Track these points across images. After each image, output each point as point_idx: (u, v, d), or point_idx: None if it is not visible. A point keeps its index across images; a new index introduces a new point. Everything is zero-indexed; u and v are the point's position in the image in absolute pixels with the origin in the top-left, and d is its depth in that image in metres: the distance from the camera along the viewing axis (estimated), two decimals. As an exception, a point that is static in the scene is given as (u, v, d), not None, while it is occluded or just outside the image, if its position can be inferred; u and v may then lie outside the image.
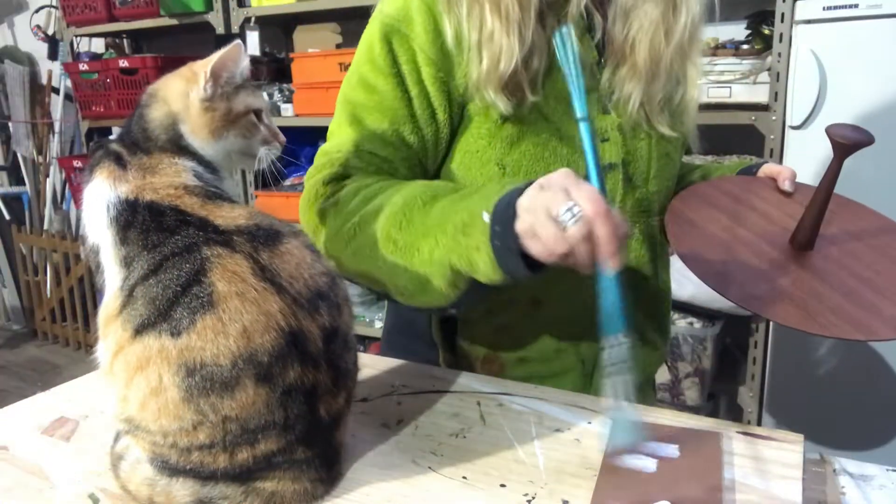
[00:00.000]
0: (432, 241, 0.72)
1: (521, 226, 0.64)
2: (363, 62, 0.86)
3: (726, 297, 0.71)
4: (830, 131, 0.81)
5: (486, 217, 0.66)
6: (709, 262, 0.76)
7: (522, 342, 0.90)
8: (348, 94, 0.88)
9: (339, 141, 0.86)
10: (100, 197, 0.62)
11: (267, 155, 0.70)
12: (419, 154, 0.87)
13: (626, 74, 0.85)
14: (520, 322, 0.89)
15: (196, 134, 0.66)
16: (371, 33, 0.86)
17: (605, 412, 0.67)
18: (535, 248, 0.63)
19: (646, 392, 1.04)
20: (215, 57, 0.65)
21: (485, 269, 0.68)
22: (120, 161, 0.63)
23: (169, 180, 0.62)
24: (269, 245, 0.60)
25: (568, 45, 0.72)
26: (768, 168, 0.95)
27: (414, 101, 0.84)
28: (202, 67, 0.66)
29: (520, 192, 0.65)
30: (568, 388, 0.85)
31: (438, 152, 0.88)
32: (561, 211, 0.60)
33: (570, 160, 0.84)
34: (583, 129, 0.70)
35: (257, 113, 0.69)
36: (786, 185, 0.92)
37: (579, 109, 0.70)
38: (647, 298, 0.95)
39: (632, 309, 0.67)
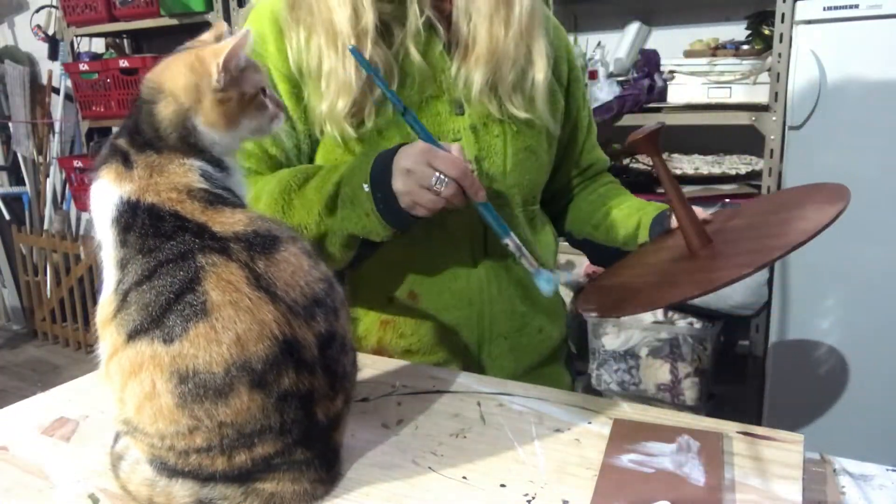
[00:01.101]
0: (316, 216, 0.83)
1: (402, 201, 0.78)
2: None
3: (624, 315, 0.74)
4: (631, 139, 0.84)
5: (366, 187, 0.79)
6: (606, 301, 0.81)
7: (405, 334, 0.95)
8: None
9: None
10: (104, 196, 0.62)
11: (277, 127, 0.70)
12: (283, 164, 0.93)
13: (472, 66, 0.90)
14: (400, 315, 0.95)
15: (212, 126, 0.64)
16: None
17: (533, 277, 0.82)
18: (420, 212, 0.79)
19: (556, 372, 1.07)
20: (227, 47, 0.63)
21: (376, 229, 0.81)
22: (126, 160, 0.62)
23: (174, 181, 0.61)
24: (266, 252, 0.59)
25: (360, 56, 0.82)
26: None
27: None
28: (213, 58, 0.63)
29: (384, 156, 0.79)
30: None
31: (301, 162, 0.94)
32: (432, 182, 0.76)
33: None
34: (409, 119, 0.81)
35: (262, 89, 0.68)
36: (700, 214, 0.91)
37: (398, 105, 0.81)
38: (523, 285, 0.99)
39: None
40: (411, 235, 0.88)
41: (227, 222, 0.60)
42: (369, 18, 0.85)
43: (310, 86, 0.90)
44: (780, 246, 0.67)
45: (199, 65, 0.63)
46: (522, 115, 0.93)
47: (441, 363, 0.96)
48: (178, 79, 0.64)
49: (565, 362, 1.11)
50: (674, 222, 0.90)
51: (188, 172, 0.62)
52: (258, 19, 0.92)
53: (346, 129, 0.88)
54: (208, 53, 0.63)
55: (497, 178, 0.94)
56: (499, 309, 0.97)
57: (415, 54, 0.89)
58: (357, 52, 0.82)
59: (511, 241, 0.80)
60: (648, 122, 1.98)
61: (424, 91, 0.91)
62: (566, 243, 1.15)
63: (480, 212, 0.80)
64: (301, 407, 0.59)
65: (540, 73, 0.93)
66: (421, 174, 0.76)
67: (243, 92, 0.65)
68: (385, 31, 0.88)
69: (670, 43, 2.15)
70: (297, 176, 0.87)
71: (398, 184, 0.78)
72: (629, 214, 1.00)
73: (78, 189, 3.29)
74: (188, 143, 0.63)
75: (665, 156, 2.11)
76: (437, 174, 0.75)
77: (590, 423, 0.75)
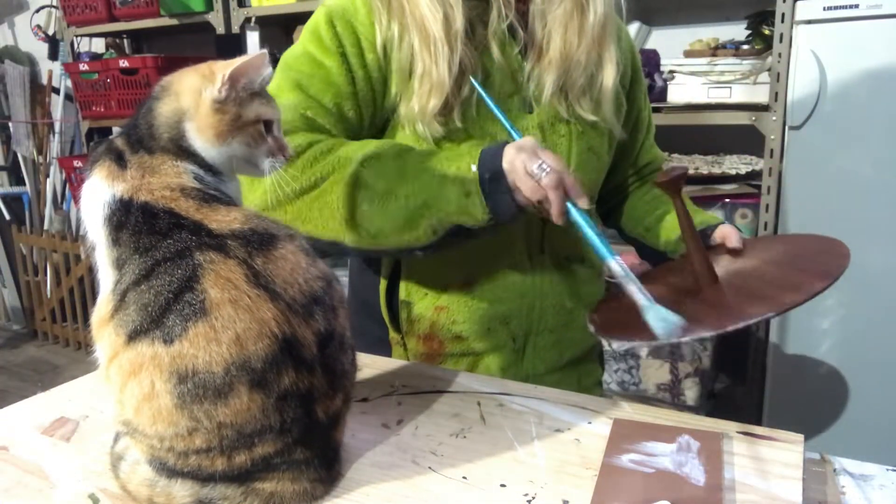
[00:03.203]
0: (410, 188, 0.82)
1: (507, 178, 0.79)
2: (309, 41, 0.93)
3: (633, 342, 0.75)
4: (658, 181, 0.86)
5: (474, 168, 0.80)
6: (617, 327, 0.83)
7: (457, 320, 0.98)
8: (292, 63, 0.93)
9: (280, 103, 0.90)
10: (96, 195, 0.62)
11: (271, 167, 0.69)
12: (356, 130, 0.93)
13: (545, 68, 0.93)
14: (454, 302, 0.97)
15: (201, 133, 0.64)
16: (316, 20, 0.93)
17: (643, 311, 0.72)
18: (518, 198, 0.79)
19: (591, 366, 1.11)
20: (238, 62, 0.64)
21: (474, 211, 0.80)
22: (120, 159, 0.63)
23: (167, 181, 0.61)
24: (264, 250, 0.59)
25: (482, 89, 0.86)
26: (723, 231, 0.98)
27: (358, 81, 0.90)
28: (222, 69, 0.64)
29: (493, 146, 0.81)
30: (501, 364, 0.99)
31: (373, 135, 0.94)
32: (534, 167, 0.77)
33: None
34: (515, 134, 0.83)
35: (267, 124, 0.67)
36: (733, 243, 0.95)
37: (513, 134, 0.84)
38: (573, 281, 1.02)
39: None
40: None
41: (223, 220, 0.60)
42: (459, 21, 0.88)
43: (395, 77, 0.91)
44: (771, 308, 0.73)
45: (209, 72, 0.64)
46: (590, 117, 0.96)
47: (487, 351, 0.99)
48: (186, 80, 0.65)
49: (598, 356, 1.14)
50: (716, 237, 0.96)
51: (181, 174, 0.62)
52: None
53: (436, 127, 0.89)
54: (221, 65, 0.65)
55: None
56: (549, 304, 1.00)
57: (496, 53, 0.91)
58: (479, 85, 0.87)
59: (618, 265, 0.75)
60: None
61: (501, 89, 0.93)
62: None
63: (583, 229, 0.77)
64: (301, 406, 0.59)
65: (609, 78, 0.95)
66: (527, 156, 0.78)
67: (241, 114, 0.65)
68: (470, 30, 0.91)
69: (670, 43, 2.15)
70: (392, 147, 0.87)
71: (505, 161, 0.79)
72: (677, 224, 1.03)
73: (78, 189, 3.29)
74: (178, 146, 0.63)
75: (665, 155, 2.11)
76: (541, 161, 0.77)
77: (590, 423, 0.75)
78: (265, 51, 0.65)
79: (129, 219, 0.60)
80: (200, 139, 0.64)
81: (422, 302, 0.98)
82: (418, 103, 0.88)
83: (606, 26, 0.94)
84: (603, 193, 1.10)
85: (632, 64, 1.06)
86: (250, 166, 0.68)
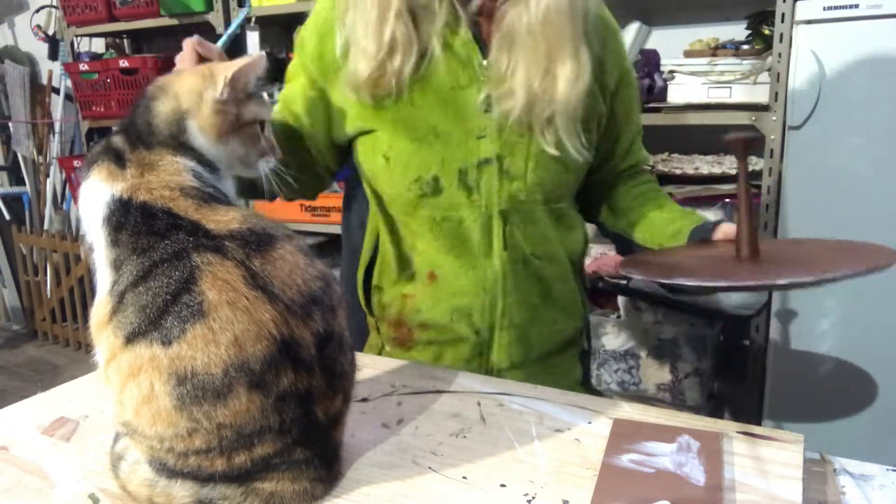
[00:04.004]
0: None
1: None
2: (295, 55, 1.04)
3: (672, 284, 0.74)
4: (728, 138, 0.84)
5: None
6: (654, 270, 0.82)
7: (422, 309, 1.01)
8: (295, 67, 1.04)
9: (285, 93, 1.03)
10: (95, 195, 0.62)
11: (264, 166, 0.71)
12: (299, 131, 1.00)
13: (505, 95, 0.92)
14: (419, 291, 1.01)
15: (204, 132, 0.65)
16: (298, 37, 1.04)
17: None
18: None
19: (565, 364, 1.10)
20: (238, 64, 0.65)
21: None
22: (119, 159, 0.63)
23: (166, 180, 0.62)
24: (262, 250, 0.59)
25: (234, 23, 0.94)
26: (725, 229, 0.95)
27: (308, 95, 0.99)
28: (223, 71, 0.65)
29: None
30: (465, 355, 1.01)
31: (319, 148, 1.01)
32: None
33: (444, 155, 0.94)
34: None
35: (262, 124, 0.69)
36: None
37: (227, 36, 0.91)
38: (541, 279, 1.02)
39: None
40: (430, 222, 0.97)
41: (221, 220, 0.60)
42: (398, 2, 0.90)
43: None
44: (829, 269, 0.71)
45: (209, 74, 0.66)
46: (552, 151, 0.95)
47: (451, 341, 1.01)
48: (185, 83, 0.66)
49: (578, 356, 1.13)
50: (717, 234, 0.93)
51: (181, 171, 0.63)
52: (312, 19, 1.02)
53: (365, 95, 0.93)
54: (221, 67, 0.66)
55: (518, 176, 0.96)
56: (513, 300, 1.00)
57: (437, 47, 0.92)
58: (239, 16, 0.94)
59: None
60: (649, 121, 1.98)
61: (457, 79, 0.94)
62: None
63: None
64: (300, 406, 0.59)
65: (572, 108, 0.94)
66: None
67: (240, 114, 0.67)
68: (417, 15, 0.93)
69: (670, 43, 2.15)
70: None
71: None
72: (670, 219, 1.03)
73: (78, 189, 3.29)
74: (178, 142, 0.65)
75: (665, 155, 2.11)
76: None
77: (590, 423, 0.75)
78: (263, 53, 0.66)
79: (128, 219, 0.60)
80: (203, 137, 0.65)
81: (392, 289, 1.02)
82: (351, 67, 0.93)
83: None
84: (584, 188, 1.09)
85: (619, 65, 1.05)
86: (244, 165, 0.70)
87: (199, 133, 0.65)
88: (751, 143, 0.83)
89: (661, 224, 1.03)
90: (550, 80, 0.91)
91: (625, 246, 1.12)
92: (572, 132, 0.94)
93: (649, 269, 0.81)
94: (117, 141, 0.65)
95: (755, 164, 2.00)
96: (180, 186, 0.62)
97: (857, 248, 0.85)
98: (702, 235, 0.95)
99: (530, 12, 0.89)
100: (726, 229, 0.93)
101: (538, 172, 0.96)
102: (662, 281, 0.75)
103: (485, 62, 0.94)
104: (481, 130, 0.94)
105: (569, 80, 0.91)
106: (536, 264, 1.01)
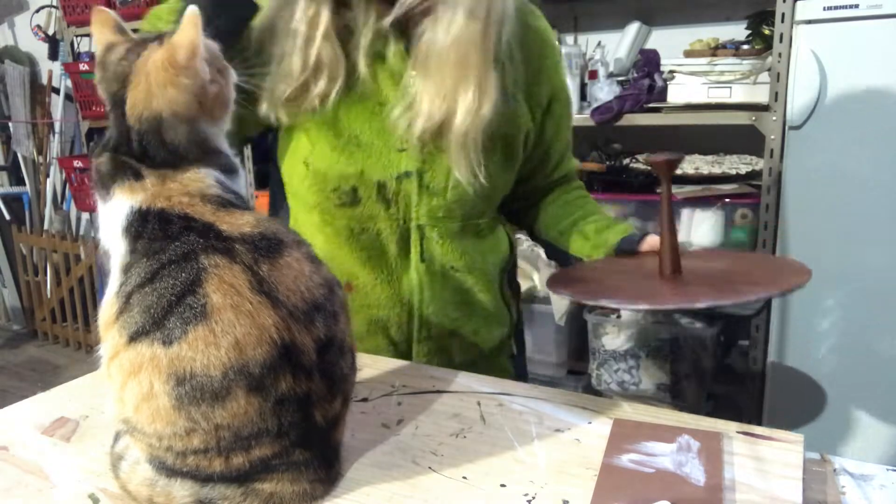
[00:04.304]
0: None
1: None
2: None
3: (597, 304, 0.79)
4: (649, 160, 0.87)
5: None
6: (581, 289, 0.84)
7: None
8: None
9: None
10: (119, 211, 0.61)
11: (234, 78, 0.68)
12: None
13: (415, 116, 0.91)
14: None
15: (220, 119, 0.65)
16: None
17: None
18: None
19: (495, 367, 1.08)
20: (197, 43, 0.60)
21: None
22: (138, 175, 0.62)
23: (188, 188, 0.61)
24: (271, 256, 0.59)
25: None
26: (650, 241, 0.95)
27: None
28: (190, 58, 0.60)
29: None
30: None
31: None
32: None
33: (364, 166, 0.93)
34: None
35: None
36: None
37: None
38: (460, 291, 1.01)
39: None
40: (348, 232, 0.96)
41: (235, 223, 0.60)
42: (325, 20, 0.89)
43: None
44: (741, 292, 0.74)
45: (183, 69, 0.60)
46: (470, 181, 0.93)
47: (371, 351, 0.99)
48: (172, 99, 0.61)
49: (510, 358, 1.12)
50: (643, 246, 0.95)
51: (203, 179, 0.62)
52: None
53: (283, 113, 0.92)
54: (181, 58, 0.60)
55: (438, 193, 0.95)
56: (430, 312, 0.99)
57: (363, 65, 0.91)
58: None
59: None
60: (649, 121, 1.98)
61: (385, 95, 0.93)
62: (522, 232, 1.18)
63: None
64: (298, 410, 0.59)
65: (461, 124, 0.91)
66: None
67: (223, 70, 0.65)
68: (345, 32, 0.92)
69: (670, 43, 2.15)
70: None
71: None
72: (597, 230, 1.02)
73: (78, 189, 3.29)
74: (205, 151, 0.64)
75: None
76: None
77: (590, 423, 0.75)
78: (195, 9, 0.60)
79: (145, 228, 0.60)
80: (217, 122, 0.65)
81: None
82: (271, 84, 0.91)
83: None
84: (513, 196, 1.07)
85: (552, 79, 1.02)
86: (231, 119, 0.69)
87: (217, 123, 0.64)
88: (673, 164, 0.85)
89: (588, 234, 1.03)
90: (449, 108, 0.89)
91: (555, 254, 1.11)
92: (466, 162, 0.92)
93: (576, 288, 0.83)
94: (133, 164, 0.62)
95: (755, 164, 2.00)
96: (201, 193, 0.61)
97: (775, 264, 0.88)
98: (629, 247, 0.96)
99: (439, 38, 0.87)
100: (651, 241, 0.94)
101: (458, 190, 0.95)
102: (588, 302, 0.79)
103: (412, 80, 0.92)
104: (402, 143, 0.93)
105: (468, 110, 0.89)
106: (456, 277, 1.00)
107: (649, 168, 2.04)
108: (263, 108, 0.92)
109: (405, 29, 0.92)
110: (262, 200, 2.59)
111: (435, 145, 0.93)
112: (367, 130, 0.93)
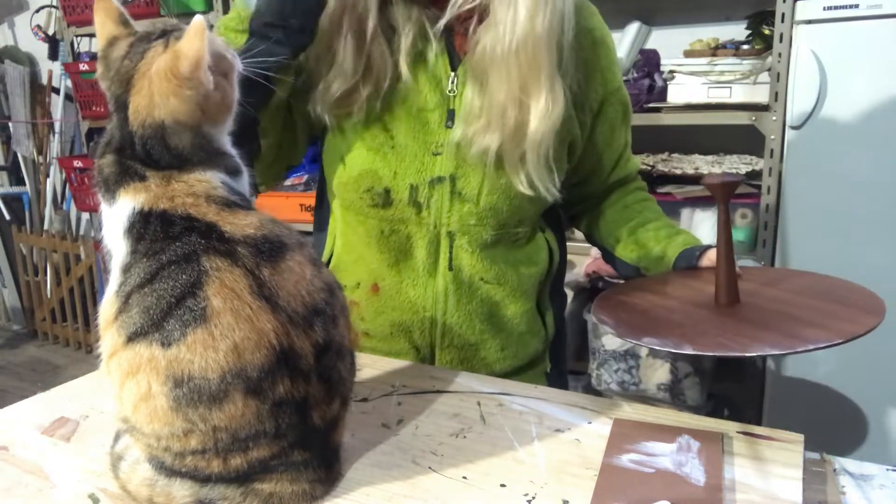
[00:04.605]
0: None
1: None
2: None
3: (639, 342, 0.72)
4: (706, 181, 0.81)
5: None
6: (626, 321, 0.78)
7: (364, 317, 1.01)
8: None
9: None
10: (122, 212, 0.61)
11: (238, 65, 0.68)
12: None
13: (480, 131, 0.89)
14: (363, 300, 1.00)
15: (223, 122, 0.65)
16: None
17: None
18: None
19: (528, 378, 1.04)
20: (201, 54, 0.59)
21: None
22: (143, 178, 0.61)
23: (192, 189, 0.61)
24: (273, 260, 0.59)
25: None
26: (711, 256, 0.92)
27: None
28: (194, 70, 0.59)
29: None
30: None
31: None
32: None
33: (397, 168, 0.93)
34: None
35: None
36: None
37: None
38: (489, 304, 0.98)
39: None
40: (378, 233, 0.95)
41: (238, 224, 0.59)
42: (373, 21, 0.88)
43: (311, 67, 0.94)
44: (803, 341, 0.68)
45: (186, 79, 0.60)
46: (526, 191, 0.91)
47: (392, 354, 0.99)
48: (174, 108, 0.61)
49: (544, 375, 1.08)
50: (703, 261, 0.91)
51: (209, 180, 0.62)
52: None
53: (335, 114, 0.93)
54: (186, 65, 0.59)
55: (469, 199, 0.93)
56: (454, 321, 0.97)
57: (405, 70, 0.90)
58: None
59: None
60: (649, 121, 1.98)
61: (425, 102, 0.92)
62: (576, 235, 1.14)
63: None
64: (296, 413, 0.59)
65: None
66: None
67: (228, 75, 0.65)
68: (390, 32, 0.91)
69: (670, 43, 2.15)
70: None
71: None
72: (656, 240, 1.00)
73: (78, 189, 3.29)
74: (210, 154, 0.63)
75: (665, 155, 2.11)
76: None
77: (590, 423, 0.75)
78: (201, 18, 0.59)
79: (147, 228, 0.59)
80: (220, 125, 0.64)
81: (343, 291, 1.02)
82: (322, 86, 0.92)
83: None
84: (569, 201, 1.03)
85: (606, 82, 0.99)
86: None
87: (217, 125, 0.64)
88: (731, 187, 0.78)
89: (647, 245, 1.00)
90: (523, 115, 0.86)
91: (611, 262, 1.09)
92: (543, 170, 0.90)
93: (620, 319, 0.79)
94: (139, 167, 0.62)
95: (755, 164, 2.00)
96: (206, 194, 0.61)
97: (841, 292, 0.80)
98: (688, 263, 0.93)
99: (504, 40, 0.83)
100: (712, 256, 0.90)
101: (492, 198, 0.92)
102: (631, 341, 0.73)
103: (453, 83, 0.92)
104: (438, 147, 0.92)
105: (542, 114, 0.86)
106: (485, 288, 0.97)
107: (649, 168, 2.04)
108: (317, 108, 0.93)
109: (448, 29, 0.90)
110: (261, 200, 2.59)
111: (487, 161, 0.90)
112: (402, 132, 0.92)
